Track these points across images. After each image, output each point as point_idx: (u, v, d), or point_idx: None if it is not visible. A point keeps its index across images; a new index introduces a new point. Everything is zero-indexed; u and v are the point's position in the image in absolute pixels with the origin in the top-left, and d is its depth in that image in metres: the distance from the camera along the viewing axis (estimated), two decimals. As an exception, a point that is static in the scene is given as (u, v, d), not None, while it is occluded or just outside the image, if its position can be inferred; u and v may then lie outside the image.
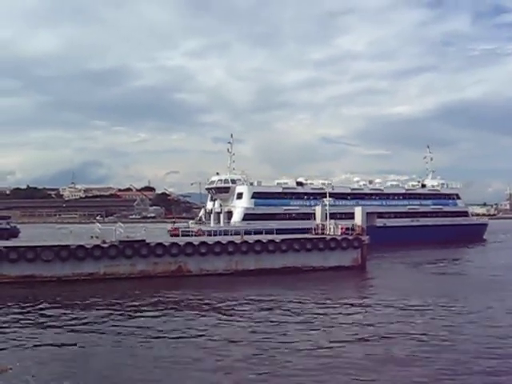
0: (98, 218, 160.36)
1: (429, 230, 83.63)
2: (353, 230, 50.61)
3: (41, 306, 30.96)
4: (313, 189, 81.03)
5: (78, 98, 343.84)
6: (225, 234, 54.62)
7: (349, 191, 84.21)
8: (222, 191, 77.24)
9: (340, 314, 29.30)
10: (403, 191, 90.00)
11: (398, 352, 21.56)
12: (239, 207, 73.98)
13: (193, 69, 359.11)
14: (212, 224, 73.25)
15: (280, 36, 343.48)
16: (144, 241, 43.92)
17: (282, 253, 46.77)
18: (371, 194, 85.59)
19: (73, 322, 26.99)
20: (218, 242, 45.47)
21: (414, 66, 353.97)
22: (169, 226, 71.72)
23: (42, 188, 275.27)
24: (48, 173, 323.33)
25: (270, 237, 48.54)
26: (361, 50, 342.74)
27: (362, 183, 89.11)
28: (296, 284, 39.88)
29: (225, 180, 77.69)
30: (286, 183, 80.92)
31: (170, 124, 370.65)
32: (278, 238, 48.05)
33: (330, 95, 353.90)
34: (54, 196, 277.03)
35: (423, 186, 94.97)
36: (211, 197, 79.47)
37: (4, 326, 26.51)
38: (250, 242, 46.18)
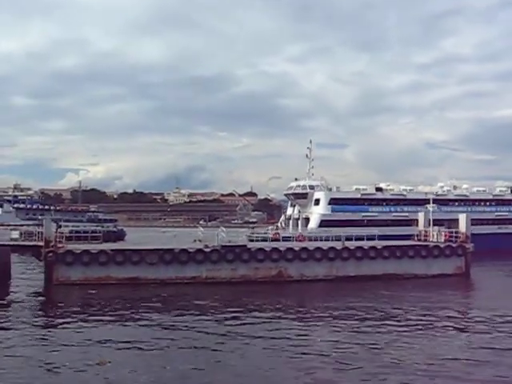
0: (201, 222, 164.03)
1: None
2: (457, 236, 49.39)
3: (143, 306, 31.93)
4: (392, 195, 78.86)
5: (182, 104, 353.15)
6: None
7: (432, 197, 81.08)
8: (300, 197, 76.25)
9: (450, 324, 28.11)
10: (490, 197, 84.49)
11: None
12: (316, 213, 73.13)
13: (295, 74, 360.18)
14: (290, 230, 72.72)
15: (383, 39, 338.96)
16: (245, 246, 44.58)
17: (383, 259, 45.98)
18: (455, 200, 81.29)
19: (172, 323, 27.61)
20: (319, 248, 45.30)
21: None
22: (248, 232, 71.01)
23: (148, 192, 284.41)
24: (153, 177, 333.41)
25: (371, 243, 48.06)
26: (466, 52, 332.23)
27: (446, 189, 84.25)
28: (398, 291, 39.03)
29: (303, 186, 76.73)
30: (365, 189, 78.65)
31: (272, 129, 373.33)
32: (379, 244, 47.52)
33: (435, 99, 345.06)
34: (159, 200, 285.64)
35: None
36: (291, 203, 79.45)
37: (108, 323, 27.73)
38: (351, 248, 45.72)
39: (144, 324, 27.54)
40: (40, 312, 32.25)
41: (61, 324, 27.77)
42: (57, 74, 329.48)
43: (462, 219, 50.57)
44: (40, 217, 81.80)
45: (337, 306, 33.12)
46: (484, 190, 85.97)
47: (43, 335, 25.23)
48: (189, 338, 24.55)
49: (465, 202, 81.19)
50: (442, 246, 48.20)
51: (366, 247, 46.13)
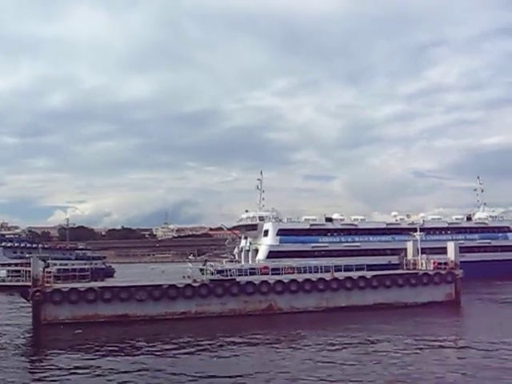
0: (190, 257, 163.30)
1: (474, 265, 76.73)
2: (445, 264, 49.48)
3: (131, 346, 31.60)
4: (343, 225, 78.85)
5: (170, 140, 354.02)
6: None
7: (384, 226, 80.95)
8: (250, 228, 76.41)
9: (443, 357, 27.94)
10: (446, 225, 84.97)
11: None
12: (264, 245, 72.90)
13: (282, 107, 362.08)
14: (242, 262, 72.27)
15: (369, 71, 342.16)
16: (234, 279, 44.50)
17: (372, 289, 46.03)
18: (408, 229, 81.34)
19: (159, 364, 27.27)
20: (308, 280, 45.26)
21: (508, 96, 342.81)
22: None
23: (136, 228, 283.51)
24: (142, 213, 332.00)
25: (360, 273, 48.08)
26: (452, 82, 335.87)
27: (398, 218, 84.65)
28: (389, 322, 38.59)
29: (252, 217, 76.80)
30: (315, 220, 78.71)
31: (261, 163, 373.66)
32: (368, 274, 47.51)
33: (422, 128, 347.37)
34: (147, 236, 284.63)
35: (469, 218, 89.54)
36: (243, 235, 79.04)
37: (96, 363, 27.22)
38: (341, 278, 45.76)
39: (132, 365, 27.15)
40: (28, 353, 31.74)
41: (49, 365, 27.42)
42: (44, 111, 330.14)
43: (451, 247, 50.72)
44: (28, 255, 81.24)
45: (327, 338, 32.86)
46: (439, 219, 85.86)
47: (31, 378, 25.03)
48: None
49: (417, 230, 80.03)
50: (431, 273, 48.27)
51: (355, 277, 46.12)
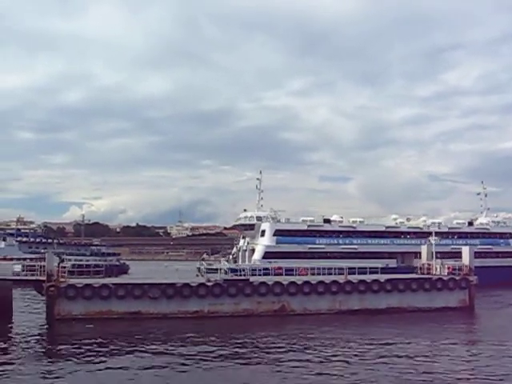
0: (204, 255, 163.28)
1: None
2: (460, 270, 49.20)
3: (144, 342, 31.73)
4: (341, 227, 78.13)
5: (186, 138, 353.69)
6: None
7: (383, 229, 79.98)
8: (248, 228, 76.16)
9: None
10: (446, 230, 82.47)
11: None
12: (260, 245, 72.78)
13: (298, 108, 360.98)
14: (240, 262, 72.12)
15: (386, 73, 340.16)
16: (248, 280, 44.53)
17: (386, 293, 45.87)
18: (408, 233, 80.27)
19: (170, 360, 27.50)
20: (322, 282, 45.17)
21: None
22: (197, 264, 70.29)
23: (151, 226, 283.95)
24: (157, 211, 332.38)
25: (374, 276, 47.97)
26: (469, 85, 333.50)
27: (398, 221, 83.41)
28: (402, 327, 38.55)
29: (250, 217, 76.63)
30: (313, 221, 77.82)
31: (276, 163, 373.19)
32: (382, 277, 47.39)
33: (438, 132, 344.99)
34: (161, 234, 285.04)
35: (470, 224, 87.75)
36: (242, 235, 78.94)
37: (109, 357, 27.60)
38: (354, 281, 45.65)
39: (144, 360, 27.39)
40: (41, 347, 32.02)
41: (62, 359, 27.72)
42: (61, 108, 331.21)
43: (465, 252, 50.43)
44: (43, 250, 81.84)
45: (339, 341, 32.86)
46: (440, 223, 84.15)
47: (45, 370, 25.23)
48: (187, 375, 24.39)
49: (418, 234, 78.94)
50: (445, 278, 48.01)
51: (368, 280, 45.98)
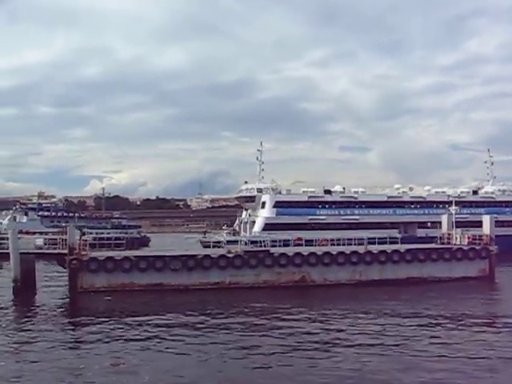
0: (224, 227, 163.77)
1: None
2: (480, 239, 48.95)
3: (167, 312, 32.10)
4: (342, 197, 77.40)
5: (205, 110, 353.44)
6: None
7: (385, 199, 78.74)
8: (249, 200, 76.31)
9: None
10: (446, 199, 78.83)
11: None
12: (261, 217, 72.69)
13: (318, 78, 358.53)
14: (242, 233, 72.10)
15: (406, 42, 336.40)
16: (268, 251, 44.68)
17: (406, 263, 45.68)
18: (411, 203, 79.45)
19: (193, 329, 27.75)
20: (342, 252, 45.17)
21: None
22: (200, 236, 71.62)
23: (171, 198, 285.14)
24: (176, 183, 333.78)
25: (394, 247, 47.89)
26: (490, 53, 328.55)
27: (401, 191, 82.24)
28: (423, 295, 38.73)
29: (251, 189, 76.45)
30: (313, 191, 77.27)
31: (296, 134, 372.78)
32: (402, 247, 47.31)
33: (458, 100, 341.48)
34: (181, 206, 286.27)
35: (475, 192, 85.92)
36: (244, 206, 79.06)
37: (131, 328, 28.04)
38: (374, 252, 45.62)
39: (166, 330, 27.75)
40: (65, 318, 32.47)
41: (85, 330, 28.24)
42: (80, 82, 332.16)
43: (486, 221, 50.06)
44: (64, 224, 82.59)
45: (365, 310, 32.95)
46: (443, 192, 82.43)
47: (68, 341, 25.76)
48: (206, 347, 24.61)
49: (420, 203, 79.18)
50: (465, 248, 47.81)
51: (389, 251, 45.90)
